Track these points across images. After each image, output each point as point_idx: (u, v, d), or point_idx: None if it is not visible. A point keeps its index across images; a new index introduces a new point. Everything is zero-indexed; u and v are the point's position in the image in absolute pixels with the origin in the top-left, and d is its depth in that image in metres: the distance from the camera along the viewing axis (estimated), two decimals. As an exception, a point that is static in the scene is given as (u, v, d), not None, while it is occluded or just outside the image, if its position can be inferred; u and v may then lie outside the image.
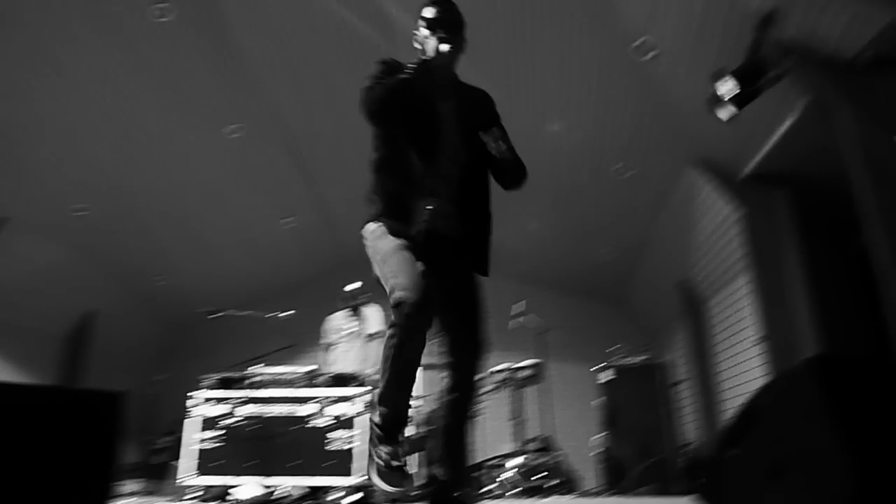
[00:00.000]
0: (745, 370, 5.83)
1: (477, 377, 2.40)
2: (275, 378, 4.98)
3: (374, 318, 6.11)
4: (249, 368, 5.11)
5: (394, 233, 2.33)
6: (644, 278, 8.30)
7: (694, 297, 7.11)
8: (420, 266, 2.22)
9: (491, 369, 5.90)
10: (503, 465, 5.57)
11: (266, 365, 5.18)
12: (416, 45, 2.53)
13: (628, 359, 6.31)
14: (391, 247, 2.29)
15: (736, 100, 3.93)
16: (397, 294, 2.16)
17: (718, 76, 4.02)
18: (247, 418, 4.78)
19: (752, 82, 3.87)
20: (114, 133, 6.34)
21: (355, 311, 6.17)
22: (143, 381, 8.58)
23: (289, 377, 4.97)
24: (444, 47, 2.39)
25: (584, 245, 8.13)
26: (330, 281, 7.81)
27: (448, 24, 2.46)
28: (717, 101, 4.17)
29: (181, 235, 8.05)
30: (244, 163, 7.34)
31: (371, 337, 6.00)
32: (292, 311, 5.69)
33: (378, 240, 2.36)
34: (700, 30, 4.56)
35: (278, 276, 9.63)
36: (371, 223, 2.43)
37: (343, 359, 5.94)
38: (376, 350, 5.99)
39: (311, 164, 7.82)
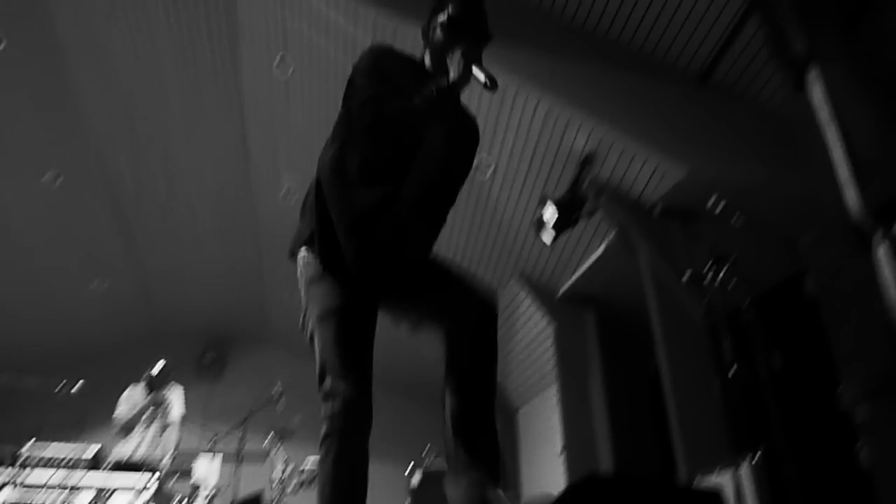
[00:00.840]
0: (548, 478, 6.09)
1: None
2: (52, 458, 4.41)
3: (177, 402, 5.69)
4: (23, 445, 4.49)
5: (330, 270, 1.83)
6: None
7: (507, 403, 7.40)
8: (356, 344, 1.84)
9: (301, 466, 5.69)
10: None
11: (41, 442, 4.58)
12: (429, 45, 1.96)
13: (439, 460, 6.35)
14: (327, 303, 1.82)
15: (556, 226, 4.33)
16: (329, 385, 1.76)
17: (543, 202, 4.42)
18: (7, 504, 4.15)
19: (570, 212, 4.30)
20: None
21: (156, 392, 5.70)
22: None
23: (69, 458, 4.43)
24: (482, 78, 1.73)
25: (405, 343, 8.23)
26: (136, 354, 7.22)
27: (478, 32, 1.89)
28: (541, 224, 4.57)
29: (-35, 285, 7.11)
30: (59, 215, 6.75)
31: (171, 422, 5.55)
32: (81, 382, 5.14)
33: (312, 283, 1.86)
34: (533, 158, 5.03)
35: (78, 343, 8.69)
36: (303, 248, 1.90)
37: (136, 443, 5.42)
38: (175, 436, 5.55)
39: (135, 226, 7.37)
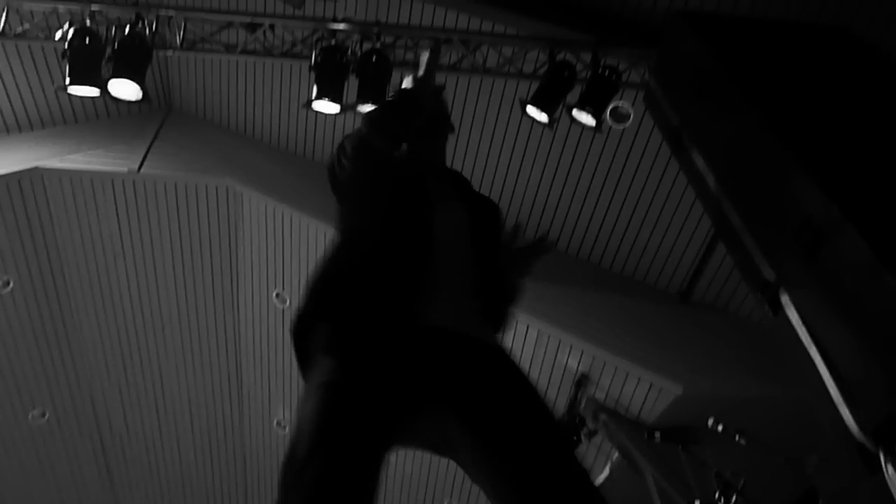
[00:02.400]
0: None
1: None
2: None
3: None
4: None
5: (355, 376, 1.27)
6: None
7: None
8: (362, 435, 1.18)
9: None
10: None
11: None
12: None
13: None
14: (318, 402, 1.23)
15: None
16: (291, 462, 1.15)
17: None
18: None
19: (569, 434, 4.21)
20: None
21: None
22: None
23: None
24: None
25: None
26: None
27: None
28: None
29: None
30: (39, 452, 6.51)
31: None
32: None
33: (308, 397, 1.26)
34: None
35: None
36: (317, 368, 1.31)
37: None
38: None
39: (117, 466, 7.06)
